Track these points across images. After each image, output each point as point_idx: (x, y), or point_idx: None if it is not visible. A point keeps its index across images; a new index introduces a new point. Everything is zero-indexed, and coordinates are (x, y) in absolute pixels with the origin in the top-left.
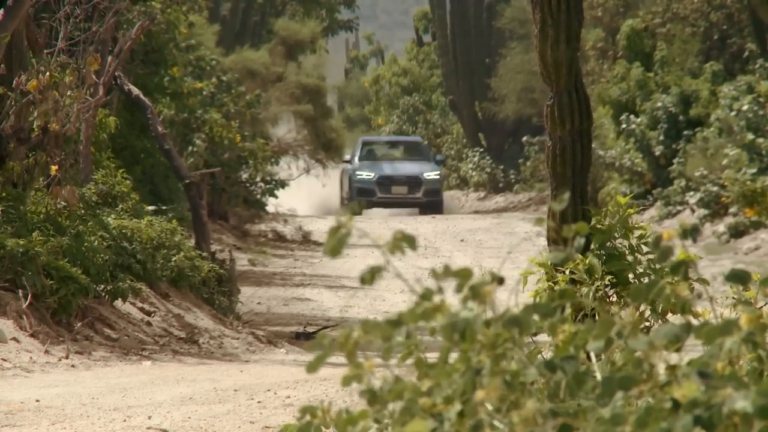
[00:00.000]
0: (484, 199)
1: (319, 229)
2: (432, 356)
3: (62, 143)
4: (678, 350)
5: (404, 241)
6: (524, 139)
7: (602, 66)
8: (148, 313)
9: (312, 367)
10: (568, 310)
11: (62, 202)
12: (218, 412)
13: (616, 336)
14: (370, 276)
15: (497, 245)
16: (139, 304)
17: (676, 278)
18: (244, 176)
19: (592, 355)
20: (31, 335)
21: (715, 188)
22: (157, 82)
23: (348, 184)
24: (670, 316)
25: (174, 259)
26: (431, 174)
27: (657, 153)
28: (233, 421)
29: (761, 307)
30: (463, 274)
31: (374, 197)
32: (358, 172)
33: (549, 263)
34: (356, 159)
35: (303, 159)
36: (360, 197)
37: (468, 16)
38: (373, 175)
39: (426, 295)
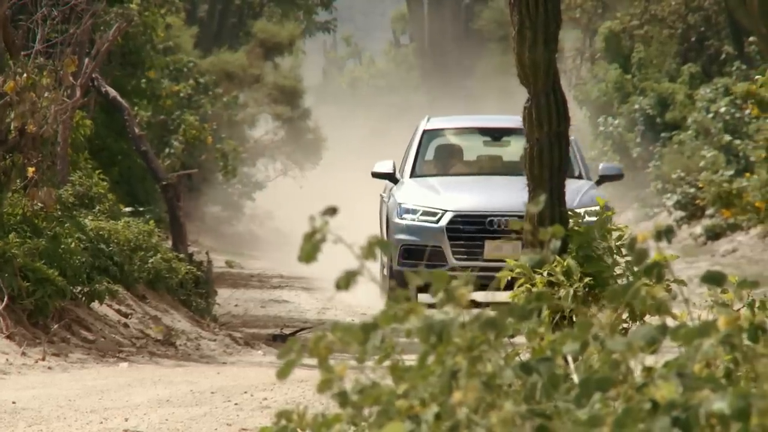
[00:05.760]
0: None
1: (297, 230)
2: (408, 358)
3: (39, 145)
4: (654, 352)
5: (379, 246)
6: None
7: (580, 68)
8: (125, 315)
9: (282, 373)
10: (545, 313)
11: (39, 204)
12: (195, 414)
13: (594, 338)
14: (345, 281)
15: None
16: (116, 306)
17: (652, 280)
18: (221, 178)
19: (569, 357)
20: (8, 337)
21: (692, 190)
22: (134, 84)
23: (386, 230)
24: (647, 318)
25: (151, 260)
26: (581, 209)
27: (634, 155)
28: (210, 423)
29: (738, 309)
30: (439, 278)
31: (444, 266)
32: (403, 205)
33: (526, 265)
34: (406, 172)
35: (280, 161)
36: (408, 264)
37: (445, 17)
38: (439, 212)
39: (399, 297)
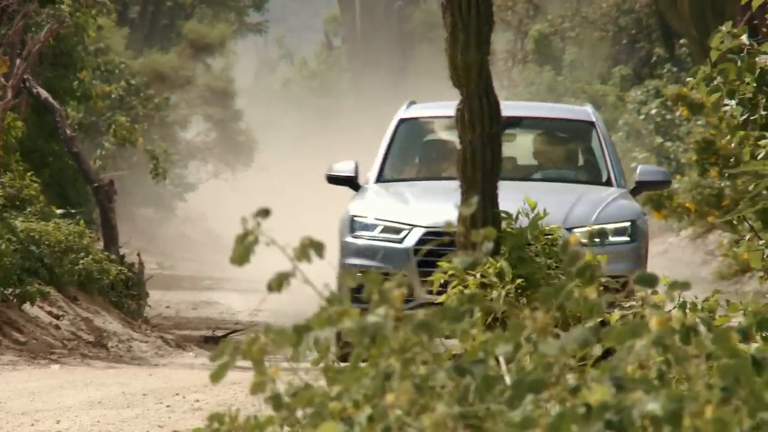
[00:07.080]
0: None
1: (230, 232)
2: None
3: None
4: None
5: (312, 248)
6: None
7: (511, 70)
8: (57, 317)
9: (216, 376)
10: (477, 314)
11: None
12: (127, 416)
13: (526, 340)
14: (278, 283)
15: None
16: (48, 308)
17: (583, 281)
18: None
19: (501, 359)
20: None
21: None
22: (65, 85)
23: (340, 256)
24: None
25: (82, 262)
26: (610, 223)
27: None
28: (142, 426)
29: (670, 310)
30: (372, 279)
31: (410, 301)
32: (357, 218)
33: (459, 267)
34: (372, 176)
35: (212, 163)
36: (361, 300)
37: (377, 19)
38: (405, 228)
39: (332, 299)
